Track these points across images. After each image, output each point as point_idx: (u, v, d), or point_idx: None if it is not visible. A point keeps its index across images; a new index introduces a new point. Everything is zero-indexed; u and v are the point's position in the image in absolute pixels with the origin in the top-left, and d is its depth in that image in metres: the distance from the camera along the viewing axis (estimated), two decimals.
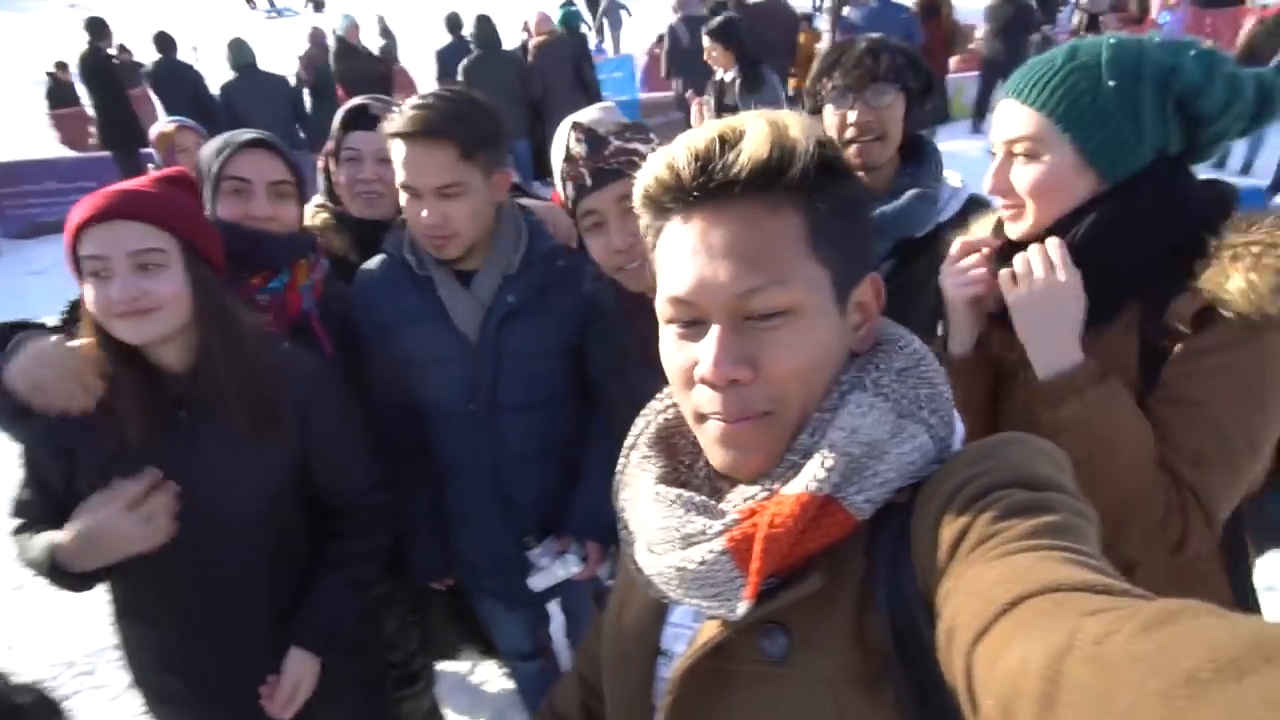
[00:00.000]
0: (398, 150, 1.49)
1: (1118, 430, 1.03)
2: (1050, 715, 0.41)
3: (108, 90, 7.65)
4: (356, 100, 1.95)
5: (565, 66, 7.61)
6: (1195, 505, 1.03)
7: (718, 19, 5.43)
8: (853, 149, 1.63)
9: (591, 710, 1.04)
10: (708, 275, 0.67)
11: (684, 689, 0.72)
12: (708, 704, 0.72)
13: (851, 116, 1.62)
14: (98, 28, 7.69)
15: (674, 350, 0.72)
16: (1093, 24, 10.78)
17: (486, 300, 1.59)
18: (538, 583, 1.67)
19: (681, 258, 0.69)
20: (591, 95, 7.37)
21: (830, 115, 1.65)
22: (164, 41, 7.61)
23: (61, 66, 11.32)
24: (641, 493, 0.77)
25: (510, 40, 8.59)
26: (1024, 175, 1.12)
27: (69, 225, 1.26)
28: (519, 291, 1.58)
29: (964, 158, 8.81)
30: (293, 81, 7.93)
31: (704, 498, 0.72)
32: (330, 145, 1.94)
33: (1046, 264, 1.07)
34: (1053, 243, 1.08)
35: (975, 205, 1.64)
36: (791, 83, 9.15)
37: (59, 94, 11.44)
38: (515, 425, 1.63)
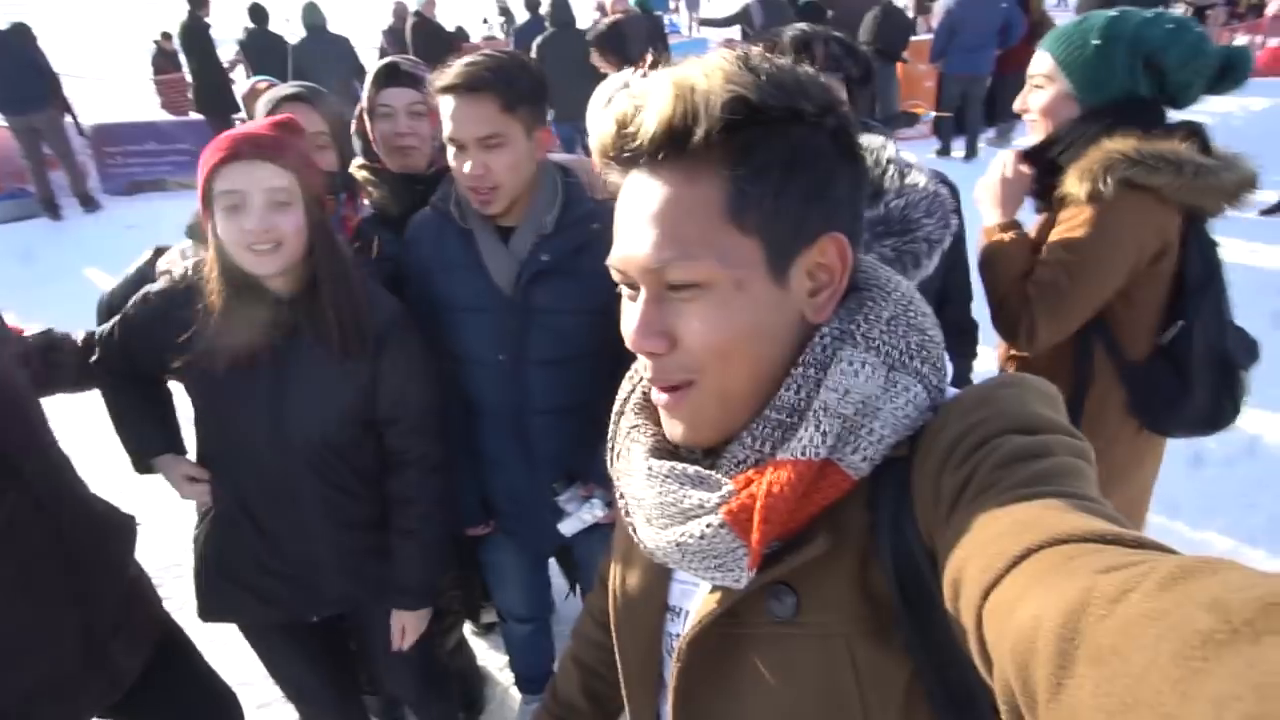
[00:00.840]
0: (445, 105, 1.57)
1: (1011, 258, 1.65)
2: (1067, 674, 0.40)
3: (204, 58, 8.08)
4: (387, 59, 2.09)
5: (640, 46, 7.65)
6: (1036, 310, 1.59)
7: (603, 25, 5.41)
8: None
9: (594, 691, 1.04)
10: (630, 244, 0.67)
11: (693, 655, 0.72)
12: (719, 668, 0.71)
13: None
14: None
15: (624, 313, 0.72)
16: (1198, 14, 10.24)
17: (522, 256, 1.66)
18: (567, 528, 1.75)
19: (618, 222, 0.69)
20: None
21: None
22: (257, 12, 8.00)
23: (166, 36, 11.99)
24: (635, 467, 0.75)
25: (585, 20, 8.68)
26: (1037, 99, 1.65)
27: (205, 163, 1.40)
28: (553, 250, 1.64)
29: None
30: (375, 52, 8.21)
31: (697, 469, 0.70)
32: (365, 103, 2.06)
33: (1006, 165, 1.69)
34: (1008, 154, 1.71)
35: (940, 178, 1.67)
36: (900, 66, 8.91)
37: (162, 61, 12.13)
38: (541, 378, 1.70)
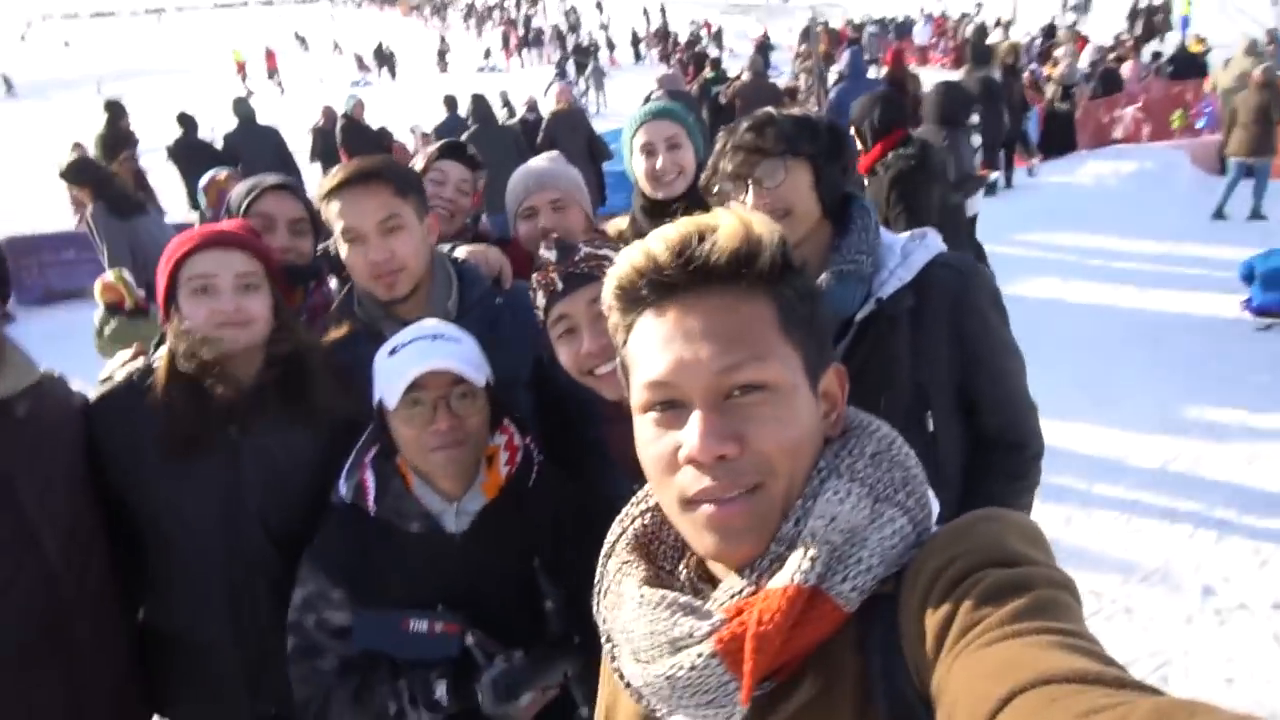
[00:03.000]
0: (335, 208, 1.58)
1: None
2: None
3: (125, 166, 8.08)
4: (449, 140, 2.32)
5: (578, 136, 8.07)
6: None
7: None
8: None
9: None
10: (687, 356, 0.68)
11: None
12: None
13: (748, 202, 1.50)
14: (116, 108, 8.20)
15: (653, 438, 0.71)
16: (1065, 94, 11.39)
17: None
18: None
19: (659, 344, 0.70)
20: (598, 167, 7.76)
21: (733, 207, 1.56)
22: (186, 121, 8.12)
23: (78, 145, 11.88)
24: (625, 597, 0.75)
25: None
26: None
27: (172, 254, 1.47)
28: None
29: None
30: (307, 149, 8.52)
31: (689, 599, 0.70)
32: (421, 165, 2.22)
33: None
34: None
35: (941, 264, 1.54)
36: None
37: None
38: None
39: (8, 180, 13.25)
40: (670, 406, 0.70)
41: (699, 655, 0.65)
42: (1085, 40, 18.81)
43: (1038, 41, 19.96)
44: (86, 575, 1.50)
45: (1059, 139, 10.88)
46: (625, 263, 0.73)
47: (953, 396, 1.56)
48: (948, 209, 5.54)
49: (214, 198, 3.25)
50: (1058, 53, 14.05)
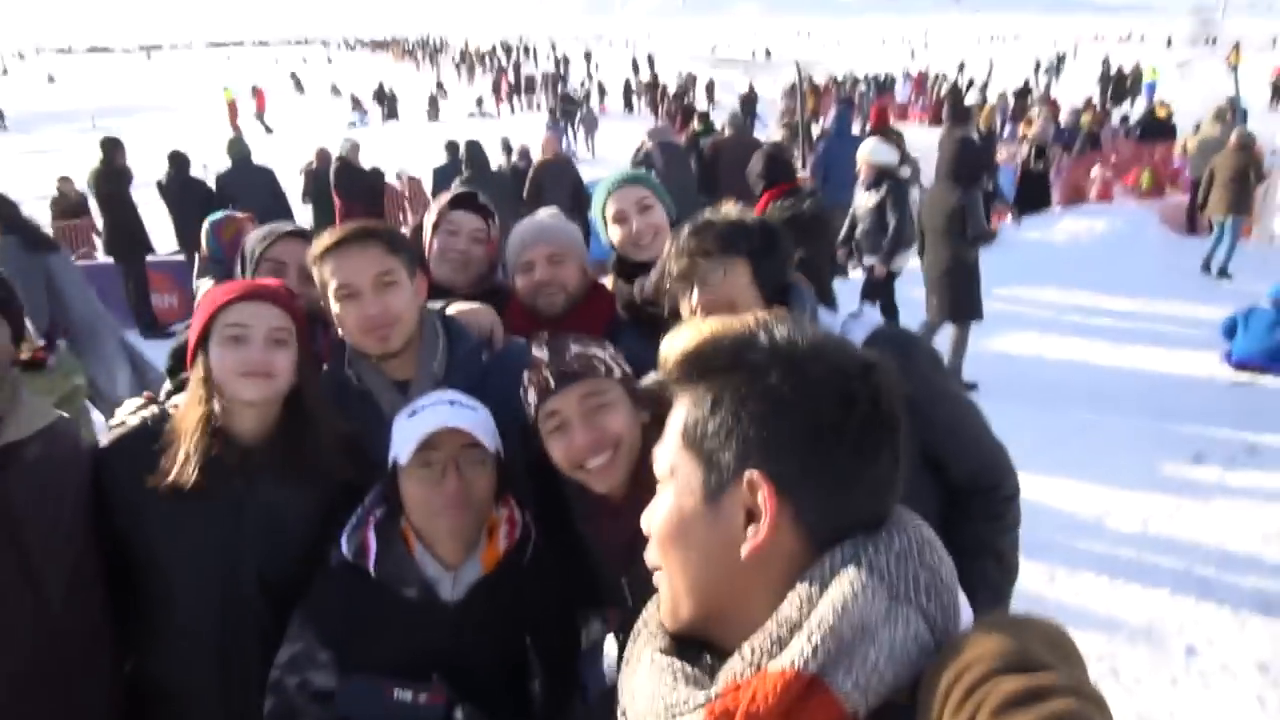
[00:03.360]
0: (329, 266, 1.64)
1: None
2: None
3: (119, 203, 8.09)
4: (463, 189, 2.32)
5: (564, 184, 8.20)
6: None
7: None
8: None
9: None
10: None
11: None
12: None
13: (694, 300, 1.61)
14: (114, 145, 8.21)
15: None
16: (1039, 153, 11.77)
17: None
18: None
19: None
20: (584, 216, 7.89)
21: (684, 309, 1.64)
22: (177, 159, 8.16)
23: (64, 180, 11.88)
24: (641, 661, 0.77)
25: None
26: None
27: (213, 300, 1.52)
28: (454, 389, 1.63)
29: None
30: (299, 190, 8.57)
31: (695, 670, 0.71)
32: (433, 218, 2.26)
33: None
34: None
35: (881, 339, 1.61)
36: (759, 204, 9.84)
37: (64, 206, 11.94)
38: None
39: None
40: None
41: None
42: (1055, 102, 19.55)
43: (1011, 102, 20.68)
44: (83, 618, 1.51)
45: (1034, 196, 11.20)
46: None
47: (916, 457, 1.60)
48: (964, 264, 5.72)
49: (231, 236, 3.25)
50: (1032, 112, 14.57)
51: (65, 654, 1.48)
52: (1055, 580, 3.70)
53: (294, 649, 1.44)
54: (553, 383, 1.42)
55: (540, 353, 1.47)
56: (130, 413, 1.71)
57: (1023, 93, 22.57)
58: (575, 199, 8.04)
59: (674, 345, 0.78)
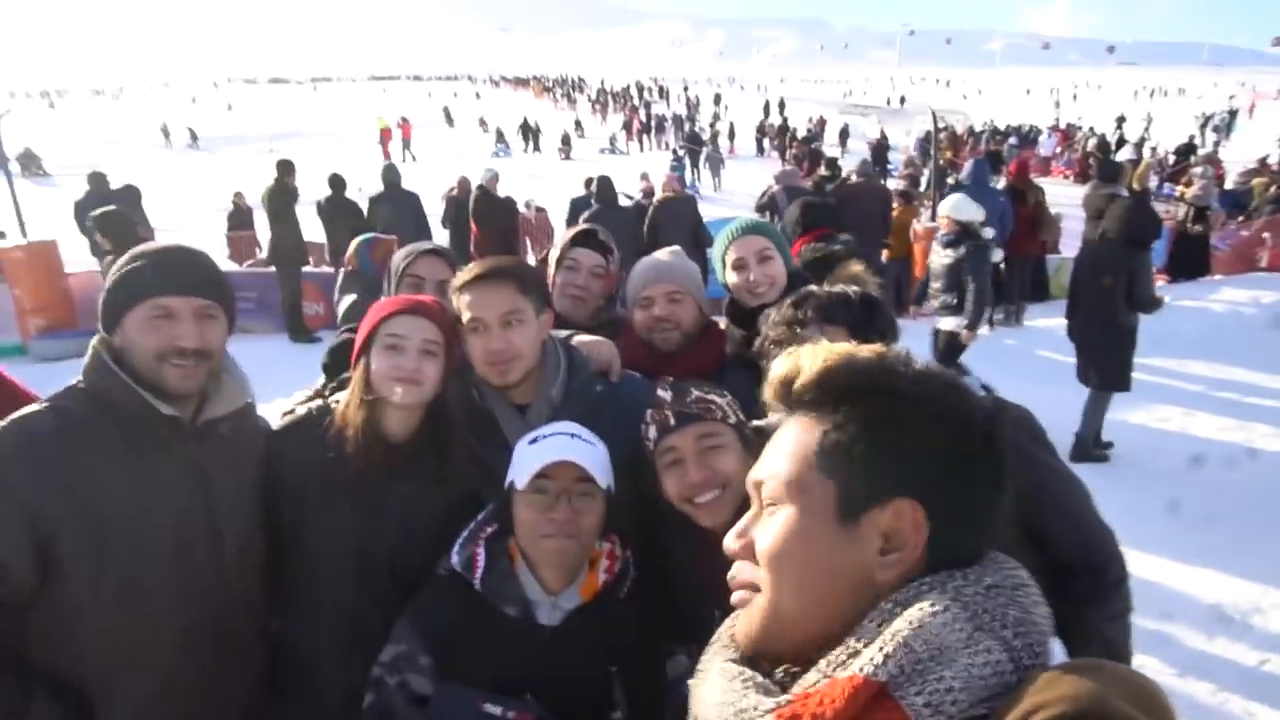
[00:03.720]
0: (464, 299, 1.76)
1: None
2: None
3: (285, 218, 8.94)
4: (586, 225, 2.49)
5: (683, 222, 8.40)
6: None
7: None
8: None
9: None
10: (759, 462, 0.82)
11: None
12: None
13: None
14: (287, 167, 9.12)
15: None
16: (1199, 217, 10.94)
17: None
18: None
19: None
20: (703, 254, 8.04)
21: None
22: (336, 181, 8.96)
23: (239, 195, 13.29)
24: (712, 670, 0.79)
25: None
26: None
27: (380, 311, 1.70)
28: (567, 417, 1.71)
29: (1060, 334, 8.90)
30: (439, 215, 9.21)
31: (766, 681, 0.73)
32: (556, 254, 2.43)
33: None
34: None
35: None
36: (885, 253, 9.71)
37: (237, 218, 13.32)
38: None
39: (193, 221, 14.85)
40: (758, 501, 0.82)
41: None
42: (1221, 162, 18.12)
43: (1171, 160, 19.36)
44: (248, 580, 1.71)
45: (1190, 262, 10.41)
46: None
47: (1016, 528, 1.57)
48: (1123, 330, 5.41)
49: (382, 256, 3.56)
50: (1194, 172, 13.59)
51: (231, 610, 1.67)
52: (1186, 679, 3.39)
53: (398, 649, 1.53)
54: (673, 421, 1.55)
55: (664, 394, 1.60)
56: (300, 403, 1.92)
57: (1185, 150, 21.11)
58: (694, 236, 8.21)
59: (795, 368, 0.79)
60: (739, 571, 0.80)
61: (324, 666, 1.71)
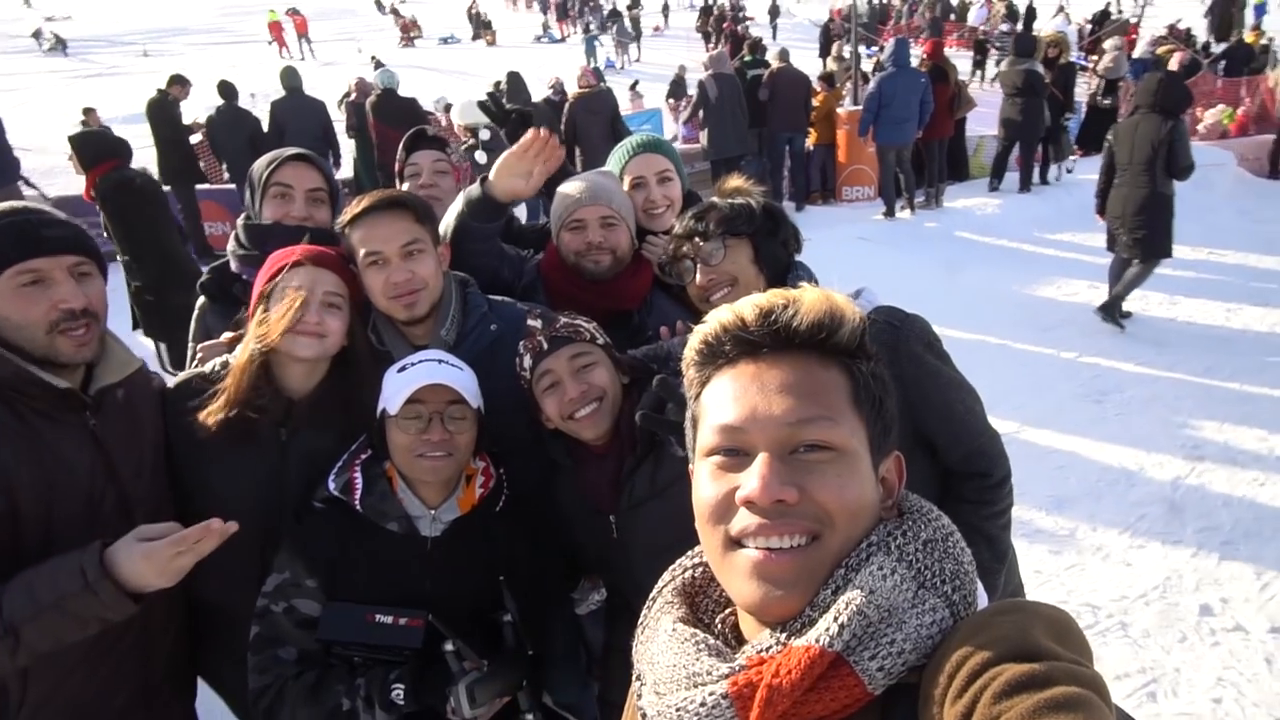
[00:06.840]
0: (357, 233, 1.72)
1: None
2: None
3: (171, 132, 8.28)
4: (415, 129, 2.40)
5: (600, 119, 8.10)
6: None
7: None
8: (716, 303, 1.65)
9: None
10: (761, 406, 0.72)
11: None
12: None
13: (698, 279, 1.72)
14: (178, 80, 8.38)
15: (710, 481, 0.74)
16: (1110, 89, 11.09)
17: None
18: (581, 610, 1.90)
19: (734, 394, 0.74)
20: None
21: (690, 288, 1.76)
22: (226, 88, 8.26)
23: (88, 112, 11.56)
24: (659, 631, 0.78)
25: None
26: None
27: (275, 263, 1.64)
28: (464, 359, 1.69)
29: (980, 214, 9.13)
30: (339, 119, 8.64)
31: (718, 642, 0.73)
32: (397, 166, 2.37)
33: None
34: None
35: (873, 322, 1.59)
36: (810, 138, 9.62)
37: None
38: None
39: (45, 143, 13.51)
40: (735, 453, 0.73)
41: (711, 694, 0.67)
42: (1135, 30, 18.16)
43: (1088, 29, 19.26)
44: None
45: (1102, 135, 10.62)
46: (713, 321, 0.78)
47: (909, 438, 1.61)
48: (1164, 198, 5.60)
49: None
50: (1105, 44, 13.66)
51: None
52: (1075, 535, 3.72)
53: (280, 578, 1.55)
54: (545, 345, 1.60)
55: (534, 323, 1.65)
56: (209, 356, 1.80)
57: (1101, 18, 21.00)
58: (613, 130, 7.94)
59: (814, 308, 0.75)
60: (790, 520, 0.70)
61: (240, 619, 1.70)
